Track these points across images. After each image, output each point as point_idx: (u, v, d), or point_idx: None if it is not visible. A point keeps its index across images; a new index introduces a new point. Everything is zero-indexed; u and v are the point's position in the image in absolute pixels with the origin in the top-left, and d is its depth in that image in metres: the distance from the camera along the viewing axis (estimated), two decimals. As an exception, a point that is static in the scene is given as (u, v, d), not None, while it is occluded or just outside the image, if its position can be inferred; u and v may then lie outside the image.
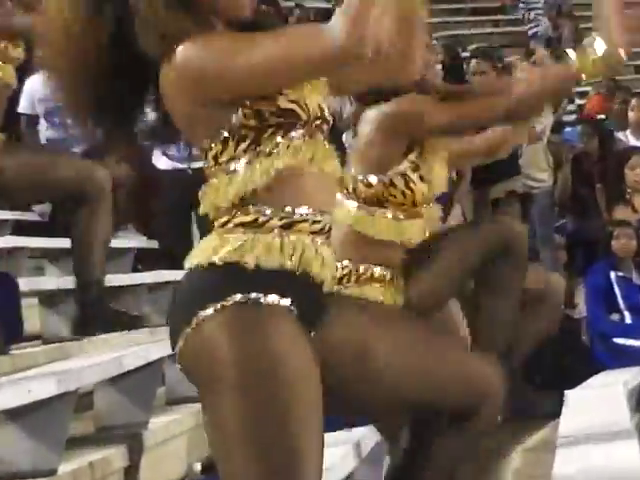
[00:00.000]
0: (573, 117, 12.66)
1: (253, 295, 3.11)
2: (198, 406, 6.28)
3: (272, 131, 3.20)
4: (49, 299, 7.34)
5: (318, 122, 3.28)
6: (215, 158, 3.22)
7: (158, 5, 3.17)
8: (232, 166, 3.20)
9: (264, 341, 3.10)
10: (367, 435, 5.70)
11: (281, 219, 3.19)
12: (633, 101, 11.66)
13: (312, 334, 3.27)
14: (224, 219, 3.21)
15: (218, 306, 3.10)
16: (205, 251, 3.20)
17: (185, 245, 9.71)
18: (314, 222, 3.24)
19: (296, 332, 3.17)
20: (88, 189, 6.31)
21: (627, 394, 7.84)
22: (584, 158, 10.57)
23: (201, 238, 9.45)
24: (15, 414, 4.77)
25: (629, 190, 10.04)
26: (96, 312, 6.64)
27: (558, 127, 11.08)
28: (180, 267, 8.36)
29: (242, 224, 3.19)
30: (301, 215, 3.22)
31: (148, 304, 8.43)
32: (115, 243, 9.13)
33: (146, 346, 6.22)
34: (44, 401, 4.91)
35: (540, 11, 22.28)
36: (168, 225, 9.65)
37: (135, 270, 9.33)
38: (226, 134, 3.19)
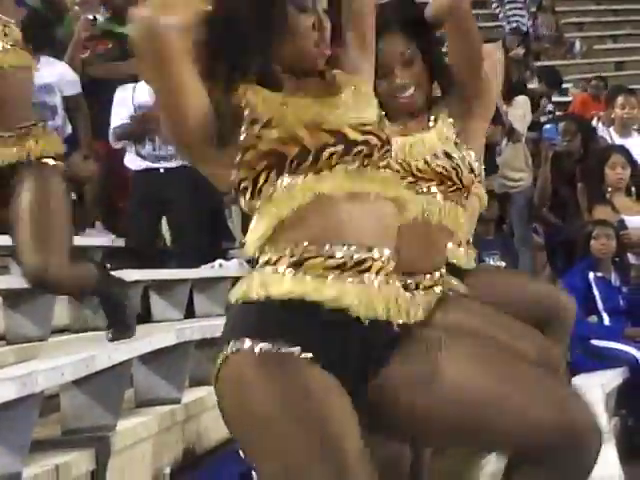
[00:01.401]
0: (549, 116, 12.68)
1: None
2: (167, 409, 6.37)
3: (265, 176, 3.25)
4: (14, 299, 7.34)
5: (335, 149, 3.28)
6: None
7: None
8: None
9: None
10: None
11: (292, 257, 3.22)
12: (619, 98, 11.65)
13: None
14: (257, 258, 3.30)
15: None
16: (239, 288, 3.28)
17: (154, 244, 9.79)
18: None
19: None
20: None
21: (604, 397, 7.88)
22: (565, 157, 10.56)
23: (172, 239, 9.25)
24: (-22, 417, 4.76)
25: (609, 189, 10.08)
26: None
27: (536, 125, 11.11)
28: (148, 266, 8.44)
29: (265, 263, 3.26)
30: (324, 251, 3.22)
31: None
32: (83, 241, 9.17)
33: (114, 347, 6.22)
34: (8, 404, 4.91)
35: (519, 4, 22.30)
36: (138, 224, 9.68)
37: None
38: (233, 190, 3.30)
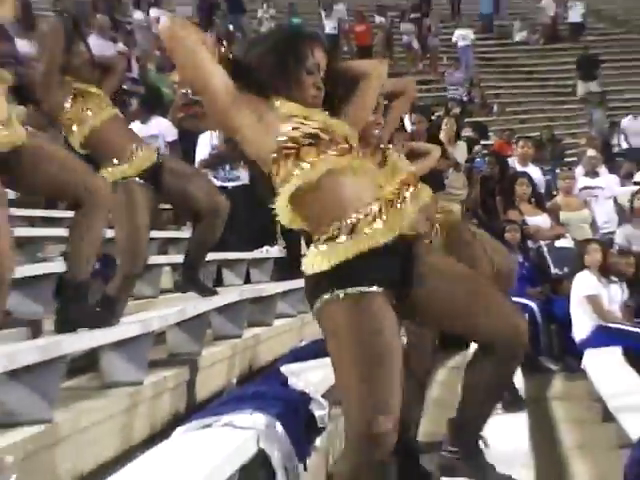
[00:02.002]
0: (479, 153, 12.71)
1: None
2: (234, 341, 6.33)
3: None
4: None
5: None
6: None
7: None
8: None
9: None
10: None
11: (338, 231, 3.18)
12: (520, 142, 11.86)
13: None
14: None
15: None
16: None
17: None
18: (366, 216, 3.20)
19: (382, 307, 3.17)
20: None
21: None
22: (489, 179, 10.73)
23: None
24: None
25: (517, 200, 10.23)
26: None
27: (471, 159, 11.11)
28: (221, 250, 7.91)
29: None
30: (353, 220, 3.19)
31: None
32: (180, 234, 9.13)
33: (198, 302, 6.19)
34: (134, 337, 4.89)
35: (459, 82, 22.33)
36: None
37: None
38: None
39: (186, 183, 5.84)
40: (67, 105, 5.41)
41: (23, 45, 12.29)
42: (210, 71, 3.20)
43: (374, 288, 3.14)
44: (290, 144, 3.18)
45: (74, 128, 5.46)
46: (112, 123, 5.53)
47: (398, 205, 3.27)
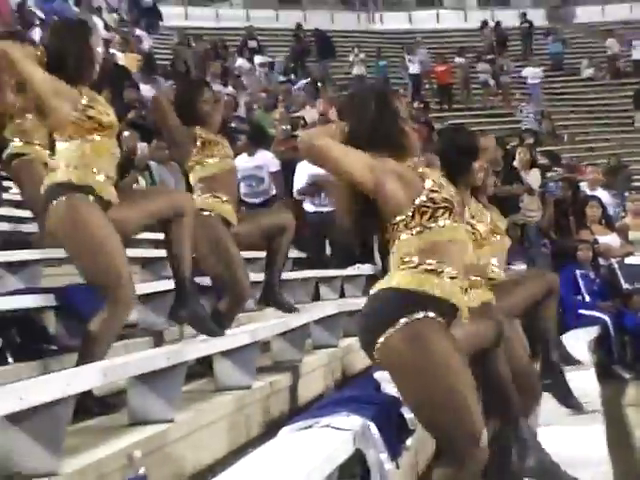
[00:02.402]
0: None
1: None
2: (331, 350, 6.30)
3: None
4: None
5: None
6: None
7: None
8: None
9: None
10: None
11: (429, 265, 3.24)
12: (589, 168, 11.81)
13: None
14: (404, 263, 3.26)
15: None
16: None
17: (321, 256, 9.80)
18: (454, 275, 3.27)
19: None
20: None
21: (588, 343, 7.77)
22: (562, 202, 10.62)
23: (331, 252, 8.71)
24: None
25: (588, 221, 10.10)
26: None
27: (544, 185, 10.97)
28: (318, 268, 7.79)
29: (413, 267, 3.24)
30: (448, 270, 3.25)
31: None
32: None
33: (297, 316, 6.20)
34: (245, 345, 4.90)
35: (531, 114, 22.07)
36: (312, 243, 9.76)
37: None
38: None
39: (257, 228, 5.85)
40: (194, 151, 5.52)
41: (146, 90, 12.57)
42: (351, 168, 3.24)
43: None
44: (429, 204, 3.27)
45: (196, 167, 5.55)
46: (228, 175, 5.60)
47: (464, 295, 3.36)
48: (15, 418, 3.10)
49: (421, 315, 3.16)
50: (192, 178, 5.62)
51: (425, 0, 27.85)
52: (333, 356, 6.41)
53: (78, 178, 4.27)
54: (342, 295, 9.00)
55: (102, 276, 4.24)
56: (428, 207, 3.26)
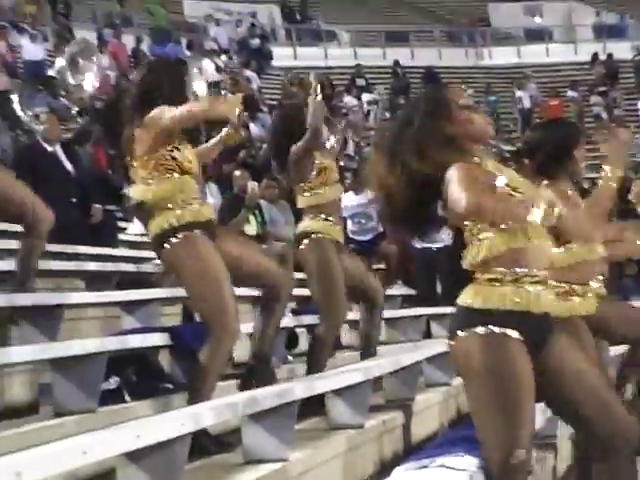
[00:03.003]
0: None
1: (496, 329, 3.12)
2: (444, 388, 6.24)
3: None
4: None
5: None
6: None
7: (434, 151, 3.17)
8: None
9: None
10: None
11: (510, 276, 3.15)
12: None
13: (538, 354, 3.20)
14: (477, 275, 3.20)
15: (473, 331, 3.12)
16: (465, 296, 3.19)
17: (433, 293, 9.74)
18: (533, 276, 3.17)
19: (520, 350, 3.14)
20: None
21: None
22: None
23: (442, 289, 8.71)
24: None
25: None
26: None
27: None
28: (429, 306, 7.66)
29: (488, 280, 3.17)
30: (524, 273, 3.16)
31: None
32: (394, 291, 9.16)
33: (412, 352, 6.15)
34: (360, 383, 4.89)
35: None
36: (422, 281, 9.73)
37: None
38: None
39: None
40: (310, 177, 5.61)
41: (255, 129, 12.78)
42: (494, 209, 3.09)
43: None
44: None
45: (309, 194, 5.63)
46: (337, 201, 5.75)
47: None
48: (133, 456, 3.15)
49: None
50: (302, 202, 5.70)
51: (534, 34, 27.59)
52: (447, 394, 6.33)
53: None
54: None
55: (210, 304, 4.39)
56: None
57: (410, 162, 3.17)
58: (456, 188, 3.08)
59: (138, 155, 4.47)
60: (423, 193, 3.22)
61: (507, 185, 3.16)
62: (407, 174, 3.20)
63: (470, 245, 3.22)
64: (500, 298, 3.15)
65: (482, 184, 3.11)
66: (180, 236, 4.41)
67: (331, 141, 6.00)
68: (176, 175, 4.46)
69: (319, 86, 5.53)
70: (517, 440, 3.09)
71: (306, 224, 5.64)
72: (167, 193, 4.44)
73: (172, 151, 4.47)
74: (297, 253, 5.71)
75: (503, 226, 3.14)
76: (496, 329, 3.11)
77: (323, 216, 5.61)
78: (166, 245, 4.42)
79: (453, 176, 3.11)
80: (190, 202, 4.48)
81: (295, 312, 6.96)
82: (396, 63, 24.27)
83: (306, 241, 5.61)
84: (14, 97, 10.88)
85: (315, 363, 5.69)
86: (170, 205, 4.44)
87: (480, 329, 3.11)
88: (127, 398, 4.69)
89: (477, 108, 3.34)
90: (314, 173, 5.62)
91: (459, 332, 3.14)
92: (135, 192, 4.54)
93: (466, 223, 3.21)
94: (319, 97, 5.42)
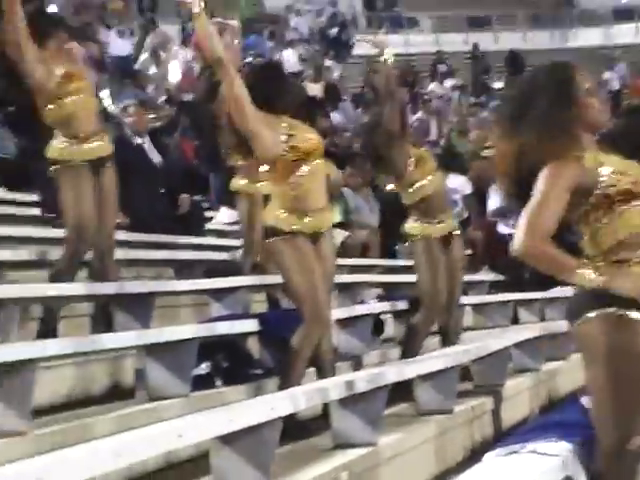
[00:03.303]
0: None
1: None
2: (533, 374, 6.19)
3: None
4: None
5: None
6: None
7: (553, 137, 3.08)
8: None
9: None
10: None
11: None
12: None
13: None
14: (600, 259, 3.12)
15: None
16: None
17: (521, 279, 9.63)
18: None
19: None
20: None
21: None
22: None
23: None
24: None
25: None
26: None
27: None
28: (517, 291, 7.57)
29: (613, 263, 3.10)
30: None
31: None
32: (476, 277, 9.09)
33: (498, 339, 6.11)
34: (441, 370, 4.89)
35: None
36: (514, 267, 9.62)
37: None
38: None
39: None
40: (410, 169, 5.65)
41: (336, 118, 12.80)
42: None
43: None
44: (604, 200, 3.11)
45: (409, 190, 5.77)
46: (440, 193, 5.91)
47: None
48: (226, 439, 3.20)
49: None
50: (406, 198, 5.85)
51: (623, 13, 26.97)
52: (537, 380, 6.28)
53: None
54: (542, 319, 8.80)
55: (303, 294, 4.47)
56: (603, 203, 3.09)
57: (526, 147, 3.10)
58: (530, 208, 3.07)
59: None
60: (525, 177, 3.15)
61: (613, 173, 3.10)
62: (519, 154, 3.12)
63: (590, 232, 3.16)
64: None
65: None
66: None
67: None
68: None
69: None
70: (636, 425, 3.04)
71: (411, 225, 5.86)
72: None
73: None
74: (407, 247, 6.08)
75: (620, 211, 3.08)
76: (621, 311, 3.06)
77: (424, 219, 5.80)
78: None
79: (540, 184, 3.06)
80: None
81: (381, 298, 6.97)
82: (475, 46, 24.00)
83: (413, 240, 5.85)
84: (103, 92, 11.11)
85: (409, 351, 5.75)
86: None
87: (605, 311, 3.07)
88: (218, 383, 4.76)
89: (597, 93, 3.22)
90: (411, 166, 5.68)
91: (585, 314, 3.10)
92: None
93: (586, 208, 3.14)
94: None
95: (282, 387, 4.34)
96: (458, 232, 6.14)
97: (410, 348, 5.81)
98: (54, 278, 4.94)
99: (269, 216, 4.59)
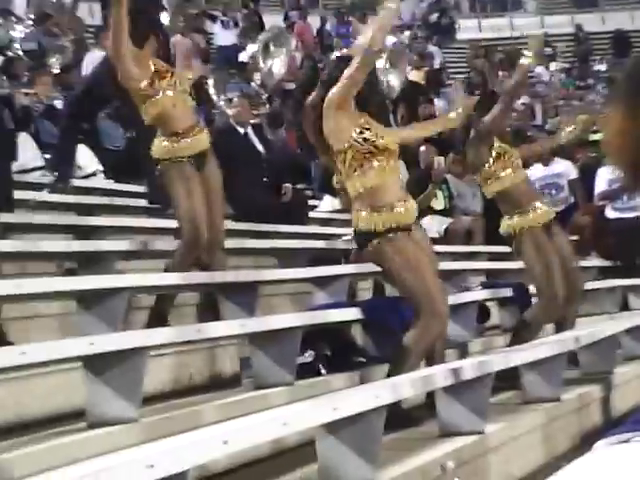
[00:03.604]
0: None
1: None
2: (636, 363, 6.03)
3: None
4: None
5: None
6: None
7: None
8: None
9: None
10: None
11: None
12: None
13: None
14: None
15: None
16: None
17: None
18: None
19: None
20: None
21: None
22: None
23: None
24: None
25: None
26: None
27: None
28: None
29: None
30: None
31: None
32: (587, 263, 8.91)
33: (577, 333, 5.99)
34: (547, 358, 4.82)
35: None
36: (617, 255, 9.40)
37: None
38: None
39: None
40: (489, 163, 5.58)
41: (437, 102, 12.71)
42: None
43: None
44: None
45: (488, 182, 5.70)
46: (522, 185, 5.75)
47: None
48: (331, 428, 3.21)
49: None
50: (488, 192, 5.77)
51: None
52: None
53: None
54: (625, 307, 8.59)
55: (416, 291, 4.43)
56: None
57: None
58: None
59: None
60: None
61: None
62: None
63: None
64: None
65: None
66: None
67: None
68: None
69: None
70: None
71: (506, 224, 5.73)
72: None
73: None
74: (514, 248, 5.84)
75: None
76: None
77: (514, 212, 5.66)
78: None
79: None
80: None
81: (486, 285, 6.90)
82: (578, 27, 23.52)
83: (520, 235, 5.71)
84: (209, 82, 11.26)
85: (518, 343, 5.64)
86: None
87: None
88: (322, 371, 4.77)
89: None
90: (491, 159, 5.60)
91: None
92: None
93: None
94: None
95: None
96: (554, 218, 5.93)
97: (519, 342, 5.63)
98: (170, 271, 4.98)
99: (358, 220, 4.49)
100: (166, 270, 5.03)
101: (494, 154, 5.62)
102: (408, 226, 4.50)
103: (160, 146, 5.10)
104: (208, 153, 5.23)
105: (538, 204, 5.78)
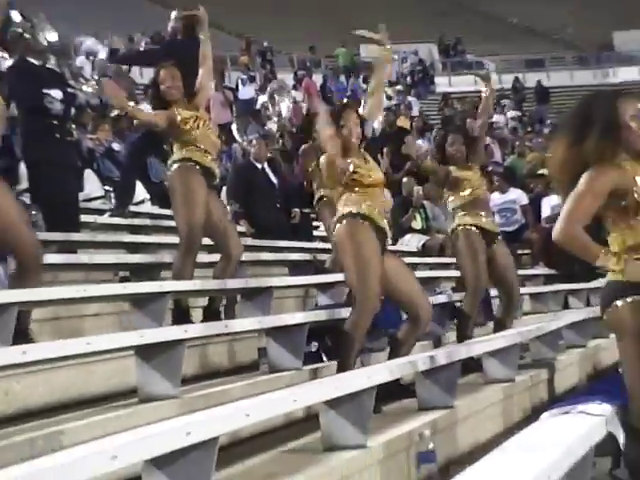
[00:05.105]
0: None
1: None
2: (579, 350, 6.03)
3: None
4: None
5: None
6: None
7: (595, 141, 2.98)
8: None
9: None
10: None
11: None
12: None
13: None
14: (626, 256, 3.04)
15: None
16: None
17: None
18: None
19: None
20: None
21: None
22: None
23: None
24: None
25: None
26: None
27: None
28: None
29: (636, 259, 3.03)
30: None
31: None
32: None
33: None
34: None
35: None
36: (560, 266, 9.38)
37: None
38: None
39: None
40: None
41: (420, 143, 12.72)
42: None
43: None
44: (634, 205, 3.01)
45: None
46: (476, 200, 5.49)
47: None
48: (332, 404, 3.23)
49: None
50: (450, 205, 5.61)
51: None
52: (584, 355, 6.14)
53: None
54: (588, 304, 8.58)
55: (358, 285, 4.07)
56: (632, 207, 2.99)
57: (588, 153, 3.00)
58: (570, 200, 2.97)
59: None
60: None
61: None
62: (576, 157, 3.02)
63: (616, 232, 3.08)
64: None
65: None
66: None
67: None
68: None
69: None
70: None
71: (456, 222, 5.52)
72: None
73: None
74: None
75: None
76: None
77: (463, 211, 5.47)
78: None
79: (582, 182, 2.97)
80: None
81: (456, 290, 6.90)
82: (516, 79, 24.12)
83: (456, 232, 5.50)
84: (233, 127, 11.31)
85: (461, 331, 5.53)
86: None
87: (630, 299, 3.01)
88: (325, 359, 4.78)
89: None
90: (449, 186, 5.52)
91: (614, 302, 3.04)
92: None
93: (617, 209, 3.05)
94: None
95: (340, 370, 4.03)
96: (500, 236, 5.63)
97: (464, 332, 5.44)
98: (176, 278, 4.64)
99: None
100: (174, 277, 4.70)
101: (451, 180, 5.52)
102: (373, 221, 4.09)
103: (177, 153, 4.70)
104: (216, 183, 4.86)
105: (483, 213, 5.48)
